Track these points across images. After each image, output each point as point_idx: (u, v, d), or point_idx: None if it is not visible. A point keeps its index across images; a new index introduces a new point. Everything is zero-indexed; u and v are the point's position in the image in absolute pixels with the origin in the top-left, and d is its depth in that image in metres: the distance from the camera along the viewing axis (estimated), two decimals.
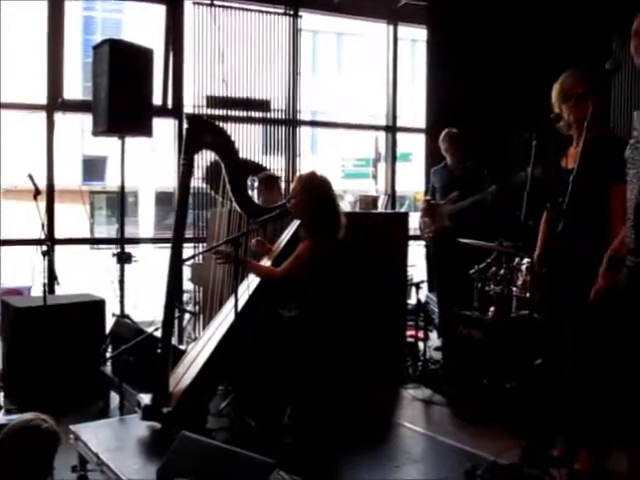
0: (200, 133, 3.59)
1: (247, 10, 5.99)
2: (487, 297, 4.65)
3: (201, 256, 5.06)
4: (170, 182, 6.14)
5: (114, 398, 4.34)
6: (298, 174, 4.22)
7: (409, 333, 5.51)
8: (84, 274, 8.02)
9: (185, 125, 3.64)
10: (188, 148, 3.57)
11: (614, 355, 2.98)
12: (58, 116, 5.56)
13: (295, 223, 4.10)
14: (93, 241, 7.22)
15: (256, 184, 4.88)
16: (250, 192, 4.26)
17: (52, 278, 5.20)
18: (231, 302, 3.69)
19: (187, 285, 5.82)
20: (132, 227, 17.78)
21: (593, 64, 5.41)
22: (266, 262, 4.00)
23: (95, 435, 3.34)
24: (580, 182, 2.62)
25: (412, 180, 7.82)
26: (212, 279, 4.07)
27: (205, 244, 5.63)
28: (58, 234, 5.60)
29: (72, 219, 7.02)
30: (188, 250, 5.12)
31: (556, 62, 6.01)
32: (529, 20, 6.23)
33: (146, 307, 6.34)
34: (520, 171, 4.78)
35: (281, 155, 6.32)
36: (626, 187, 2.68)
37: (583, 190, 2.72)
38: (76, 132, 5.94)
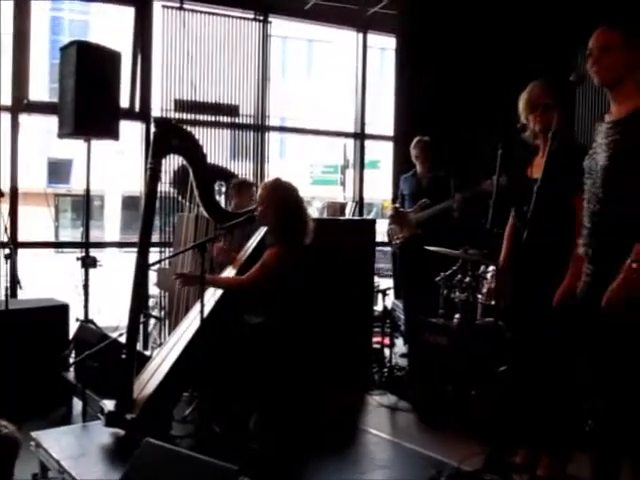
0: (168, 137, 3.56)
1: (217, 15, 5.98)
2: (453, 304, 4.68)
3: (167, 261, 5.02)
4: (137, 186, 6.09)
5: (77, 404, 4.29)
6: (263, 182, 4.21)
7: (375, 340, 5.53)
8: (48, 278, 7.90)
9: (153, 129, 3.61)
10: (155, 152, 3.54)
11: (573, 362, 3.03)
12: (23, 117, 5.48)
13: (262, 229, 4.10)
14: (57, 245, 7.10)
15: (223, 189, 4.87)
16: (218, 197, 4.24)
17: (15, 282, 5.12)
18: (197, 307, 3.66)
19: (153, 290, 5.77)
20: (98, 231, 17.58)
21: (559, 75, 5.52)
22: (231, 271, 3.98)
23: (57, 442, 3.28)
24: (544, 192, 2.66)
25: (380, 187, 7.86)
26: (178, 284, 4.04)
27: (172, 249, 5.60)
28: (22, 237, 5.51)
29: (36, 222, 6.92)
30: (154, 255, 5.07)
31: (523, 72, 6.12)
32: (497, 31, 6.31)
33: (111, 312, 6.27)
34: (487, 180, 4.85)
35: (249, 161, 6.31)
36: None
37: (547, 199, 2.76)
38: (42, 134, 5.84)
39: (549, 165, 2.70)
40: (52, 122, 5.25)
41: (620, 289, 2.43)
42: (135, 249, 3.56)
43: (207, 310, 3.57)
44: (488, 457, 3.24)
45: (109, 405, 3.45)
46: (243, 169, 6.23)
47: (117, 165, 14.29)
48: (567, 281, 2.97)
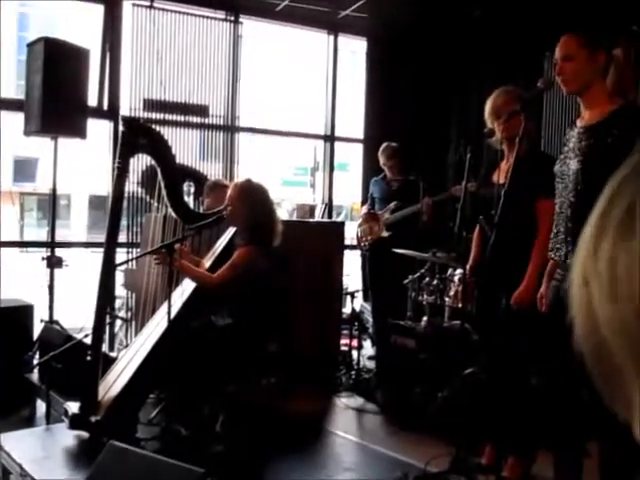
0: (136, 136, 3.52)
1: (187, 14, 5.93)
2: (420, 307, 4.71)
3: (134, 261, 4.97)
4: (104, 186, 6.02)
5: (40, 406, 4.23)
6: (234, 181, 4.19)
7: (343, 342, 5.55)
8: (12, 277, 7.77)
9: (121, 128, 3.56)
10: (123, 151, 3.50)
11: (540, 363, 3.07)
12: None
13: (231, 230, 4.08)
14: (22, 244, 6.98)
15: (192, 189, 4.83)
16: (186, 198, 4.20)
17: None
18: (164, 309, 3.63)
19: (119, 291, 5.71)
20: (64, 230, 17.34)
21: (526, 81, 5.59)
22: None
23: (19, 444, 3.23)
24: (510, 197, 2.69)
25: (349, 190, 7.89)
26: (145, 285, 4.00)
27: (139, 249, 5.54)
28: None
29: (2, 221, 6.80)
30: (121, 255, 5.02)
31: (492, 77, 6.22)
32: (467, 35, 6.37)
33: (77, 313, 6.18)
34: (456, 185, 4.90)
35: (219, 161, 6.27)
36: (553, 201, 2.77)
37: (513, 204, 2.79)
38: (7, 132, 5.74)
39: (515, 170, 2.72)
40: (18, 119, 5.17)
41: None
42: (102, 249, 3.52)
43: (174, 311, 3.55)
44: (454, 458, 3.26)
45: (73, 407, 3.40)
46: (213, 170, 6.19)
47: (84, 164, 14.12)
48: (527, 283, 3.01)
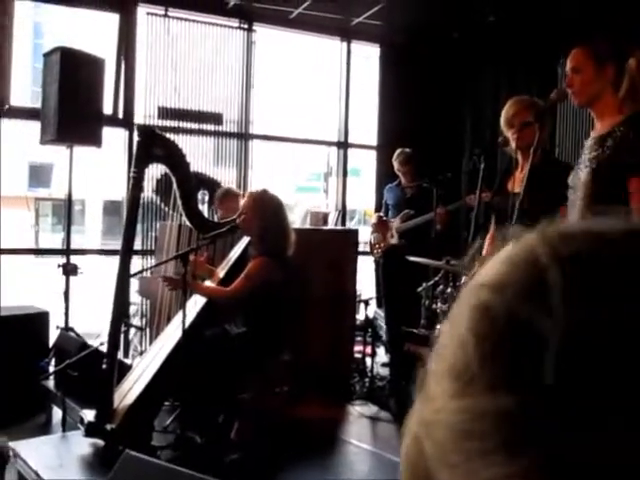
0: (152, 146, 3.56)
1: (201, 22, 5.97)
2: (434, 315, 4.70)
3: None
4: (118, 191, 6.06)
5: (56, 412, 4.26)
6: (249, 191, 4.21)
7: (357, 349, 5.55)
8: (27, 283, 7.84)
9: (136, 137, 3.60)
10: (139, 161, 3.53)
11: None
12: (4, 122, 5.43)
13: (245, 240, 4.10)
14: (38, 251, 7.03)
15: (207, 198, 4.86)
16: (200, 206, 4.23)
17: None
18: (178, 317, 3.65)
19: (134, 297, 5.73)
20: (78, 236, 17.44)
21: (540, 88, 5.58)
22: (210, 284, 3.97)
23: (35, 452, 3.26)
24: (525, 207, 2.68)
25: (362, 194, 7.89)
26: (160, 293, 4.03)
27: (154, 256, 5.57)
28: (2, 243, 5.44)
29: (17, 226, 6.87)
30: (136, 261, 5.05)
31: (505, 85, 6.21)
32: (480, 42, 6.37)
33: (92, 318, 6.22)
34: (470, 194, 4.89)
35: (232, 167, 6.30)
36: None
37: (528, 215, 2.77)
38: (22, 138, 5.80)
39: (530, 180, 2.72)
40: (33, 126, 5.22)
41: None
42: (116, 256, 3.55)
43: (189, 320, 3.57)
44: None
45: (89, 415, 3.43)
46: (226, 176, 6.22)
47: (99, 170, 14.21)
48: None
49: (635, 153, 2.48)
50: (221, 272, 3.99)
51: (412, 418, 0.41)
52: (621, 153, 2.50)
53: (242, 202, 3.92)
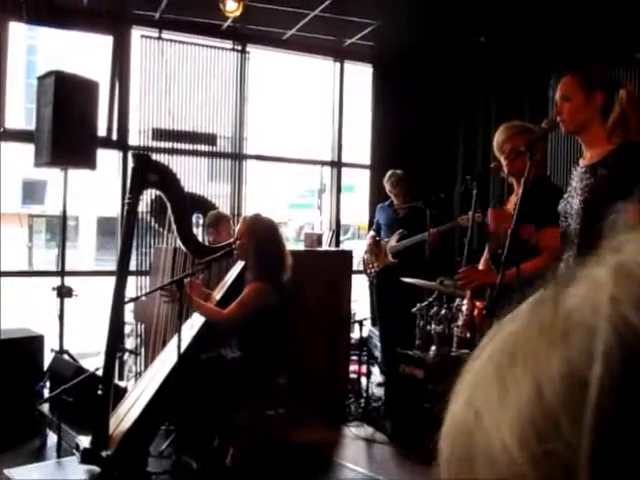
0: (146, 172, 3.57)
1: (195, 44, 6.00)
2: (429, 336, 4.72)
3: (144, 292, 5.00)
4: (112, 208, 6.08)
5: (51, 436, 4.25)
6: (243, 216, 4.23)
7: (352, 368, 5.55)
8: (20, 303, 7.82)
9: (131, 163, 3.61)
10: (133, 187, 3.55)
11: None
12: None
13: (240, 263, 4.11)
14: (33, 273, 7.04)
15: (201, 221, 4.87)
16: (195, 229, 4.24)
17: None
18: (174, 341, 3.66)
19: (128, 317, 5.73)
20: (72, 251, 17.35)
21: (533, 112, 5.63)
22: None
23: (31, 479, 3.26)
24: (516, 237, 2.69)
25: (356, 209, 7.93)
26: (155, 317, 4.04)
27: (148, 277, 5.57)
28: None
29: (10, 244, 6.85)
30: (131, 282, 5.05)
31: (497, 105, 6.26)
32: (474, 65, 6.42)
33: (86, 339, 6.21)
34: (462, 215, 4.92)
35: (227, 185, 6.32)
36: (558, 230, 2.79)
37: (519, 244, 2.78)
38: (17, 157, 5.82)
39: (521, 210, 2.74)
40: (27, 147, 5.22)
41: None
42: (110, 277, 3.55)
43: (184, 345, 3.57)
44: None
45: (85, 441, 3.42)
46: (221, 194, 6.24)
47: (92, 188, 14.21)
48: None
49: (628, 180, 2.50)
50: (217, 295, 4.00)
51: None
52: (614, 181, 2.53)
53: (236, 226, 3.94)
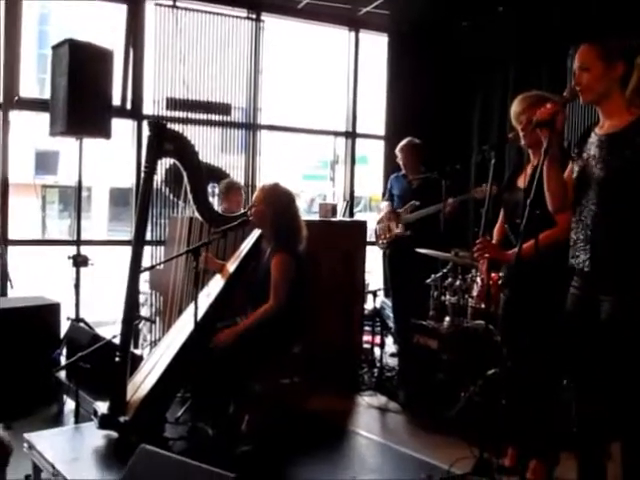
0: (162, 140, 3.55)
1: (209, 13, 5.96)
2: (443, 307, 4.73)
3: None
4: (126, 179, 6.09)
5: (68, 403, 4.31)
6: (261, 184, 4.22)
7: (365, 339, 5.58)
8: (35, 271, 7.88)
9: (147, 132, 3.60)
10: (150, 155, 3.53)
11: (562, 367, 3.08)
12: (13, 114, 5.45)
13: (256, 233, 4.11)
14: (48, 242, 7.07)
15: (217, 191, 4.88)
16: (211, 199, 4.24)
17: (5, 281, 5.12)
18: (190, 309, 3.68)
19: (143, 287, 5.76)
20: (85, 222, 17.41)
21: (551, 83, 5.54)
22: (219, 279, 3.99)
23: (50, 444, 3.30)
24: (534, 206, 2.67)
25: (368, 181, 7.90)
26: (172, 285, 4.05)
27: (163, 246, 5.60)
28: (11, 231, 5.44)
29: (25, 214, 6.89)
30: (146, 251, 5.07)
31: (515, 78, 6.17)
32: (491, 32, 6.33)
33: (101, 307, 6.27)
34: (478, 186, 4.89)
35: (241, 156, 6.31)
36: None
37: (537, 212, 2.76)
38: (30, 127, 5.83)
39: (533, 179, 2.72)
40: (40, 116, 5.23)
41: None
42: (125, 246, 3.56)
43: (201, 312, 3.59)
44: (477, 460, 3.29)
45: (102, 407, 3.47)
46: (235, 165, 6.24)
47: (106, 158, 14.21)
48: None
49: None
50: (231, 266, 4.00)
51: None
52: (632, 157, 2.50)
53: (251, 196, 3.95)
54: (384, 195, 6.06)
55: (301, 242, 3.90)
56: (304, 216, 4.23)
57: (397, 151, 5.61)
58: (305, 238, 3.92)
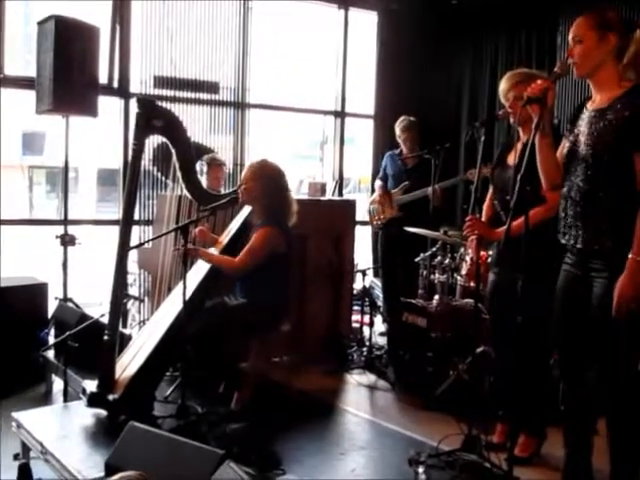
0: (151, 118, 3.52)
1: None
2: (432, 285, 4.74)
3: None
4: (113, 160, 6.03)
5: (56, 382, 4.30)
6: (250, 161, 4.20)
7: (355, 318, 5.60)
8: (22, 252, 7.84)
9: (136, 108, 3.56)
10: (139, 133, 3.50)
11: (553, 344, 3.09)
12: None
13: (246, 210, 4.09)
14: (36, 222, 7.02)
15: (205, 169, 4.85)
16: (199, 177, 4.21)
17: None
18: (179, 288, 3.67)
19: (132, 267, 5.73)
20: (72, 203, 17.30)
21: (540, 60, 5.52)
22: (213, 252, 3.98)
23: (39, 422, 3.30)
24: (524, 180, 2.66)
25: (356, 162, 7.88)
26: (160, 264, 4.04)
27: (152, 226, 5.56)
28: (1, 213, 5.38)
29: (11, 194, 6.84)
30: (134, 231, 5.03)
31: (505, 55, 6.15)
32: (481, 14, 6.30)
33: (88, 288, 6.23)
34: (468, 165, 4.88)
35: (229, 135, 6.27)
36: None
37: (527, 188, 2.75)
38: (16, 106, 5.76)
39: (523, 156, 2.71)
40: (26, 94, 5.15)
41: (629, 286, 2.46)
42: (112, 226, 3.54)
43: (189, 291, 3.58)
44: (466, 437, 3.31)
45: (91, 386, 3.46)
46: (223, 144, 6.20)
47: (93, 138, 14.10)
48: None
49: (637, 125, 2.46)
50: (224, 240, 4.00)
51: None
52: (624, 127, 2.49)
53: (242, 174, 3.93)
54: (376, 174, 6.06)
55: (291, 217, 3.90)
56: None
57: (399, 129, 5.60)
58: (295, 213, 3.91)
